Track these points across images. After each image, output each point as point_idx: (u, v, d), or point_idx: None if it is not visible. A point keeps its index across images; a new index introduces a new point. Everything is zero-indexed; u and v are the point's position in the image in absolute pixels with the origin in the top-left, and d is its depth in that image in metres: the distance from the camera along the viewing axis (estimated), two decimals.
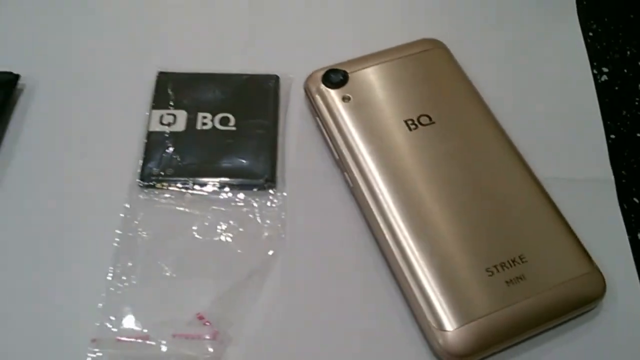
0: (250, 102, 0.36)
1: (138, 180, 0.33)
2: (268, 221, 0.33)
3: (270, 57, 0.39)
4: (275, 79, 0.37)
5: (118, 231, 0.32)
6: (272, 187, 0.34)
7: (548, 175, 0.33)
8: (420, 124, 0.34)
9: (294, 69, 0.38)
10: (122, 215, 0.32)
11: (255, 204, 0.33)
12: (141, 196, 0.33)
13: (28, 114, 0.36)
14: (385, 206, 0.31)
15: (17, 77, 0.36)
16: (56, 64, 0.39)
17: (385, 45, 0.38)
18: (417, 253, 0.30)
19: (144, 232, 0.32)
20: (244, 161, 0.34)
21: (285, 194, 0.33)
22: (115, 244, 0.31)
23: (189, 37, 0.40)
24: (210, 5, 0.42)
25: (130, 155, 0.35)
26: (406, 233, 0.30)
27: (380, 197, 0.31)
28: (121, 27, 0.41)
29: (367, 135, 0.34)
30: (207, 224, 0.32)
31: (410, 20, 0.42)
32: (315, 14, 0.42)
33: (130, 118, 0.36)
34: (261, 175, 0.33)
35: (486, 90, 0.36)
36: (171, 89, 0.36)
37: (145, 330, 0.29)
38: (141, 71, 0.37)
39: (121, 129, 0.36)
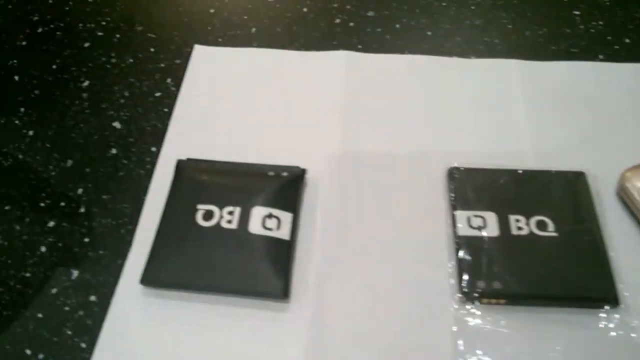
0: (563, 202, 0.32)
1: (459, 295, 0.30)
2: (617, 342, 0.29)
3: (555, 150, 0.35)
4: (582, 175, 0.33)
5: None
6: (615, 306, 0.30)
7: None
8: None
9: (583, 164, 0.34)
10: (455, 341, 0.29)
11: (603, 326, 0.29)
12: (469, 319, 0.29)
13: (317, 205, 0.34)
14: None
15: (304, 171, 0.34)
16: (336, 159, 0.36)
17: None
18: None
19: None
20: (576, 275, 0.30)
21: (629, 312, 0.30)
22: None
23: (471, 132, 0.37)
24: (485, 101, 0.38)
25: (438, 260, 0.31)
26: None
27: None
28: (401, 124, 0.37)
29: None
30: (558, 349, 0.29)
31: None
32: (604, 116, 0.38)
33: (425, 216, 0.33)
34: (603, 293, 0.29)
35: None
36: (469, 186, 0.33)
37: None
38: (426, 166, 0.35)
39: (418, 228, 0.33)
